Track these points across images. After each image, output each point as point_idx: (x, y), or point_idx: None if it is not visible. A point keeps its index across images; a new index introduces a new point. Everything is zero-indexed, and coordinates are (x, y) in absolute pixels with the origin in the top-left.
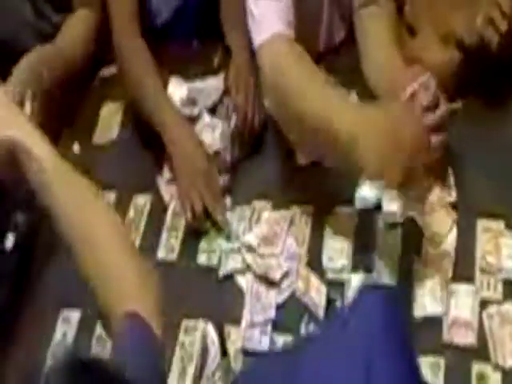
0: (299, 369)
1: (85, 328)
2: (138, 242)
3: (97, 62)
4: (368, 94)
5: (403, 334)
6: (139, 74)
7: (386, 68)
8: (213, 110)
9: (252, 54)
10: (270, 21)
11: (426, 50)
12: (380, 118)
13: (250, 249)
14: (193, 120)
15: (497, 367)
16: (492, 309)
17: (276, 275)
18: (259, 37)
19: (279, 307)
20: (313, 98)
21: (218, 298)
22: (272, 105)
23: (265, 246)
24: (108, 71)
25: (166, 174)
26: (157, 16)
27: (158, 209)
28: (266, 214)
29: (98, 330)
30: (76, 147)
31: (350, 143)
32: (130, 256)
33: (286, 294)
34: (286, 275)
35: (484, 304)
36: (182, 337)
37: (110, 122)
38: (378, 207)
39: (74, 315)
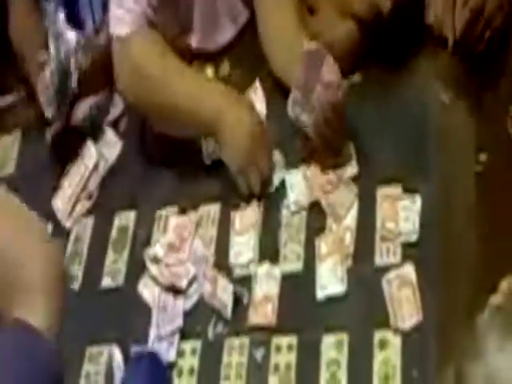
0: None
1: None
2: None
3: None
4: (271, 81)
5: None
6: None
7: (288, 47)
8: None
9: None
10: (131, 15)
11: (325, 27)
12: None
13: (156, 260)
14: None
15: (396, 331)
16: (391, 274)
17: (183, 283)
18: (118, 30)
19: (187, 314)
20: (178, 87)
21: (124, 319)
22: (132, 98)
23: (171, 253)
24: (3, 101)
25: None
26: None
27: (59, 236)
28: (172, 221)
29: None
30: None
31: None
32: None
33: (193, 300)
34: (193, 280)
35: (384, 270)
36: (86, 366)
37: (6, 156)
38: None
39: None
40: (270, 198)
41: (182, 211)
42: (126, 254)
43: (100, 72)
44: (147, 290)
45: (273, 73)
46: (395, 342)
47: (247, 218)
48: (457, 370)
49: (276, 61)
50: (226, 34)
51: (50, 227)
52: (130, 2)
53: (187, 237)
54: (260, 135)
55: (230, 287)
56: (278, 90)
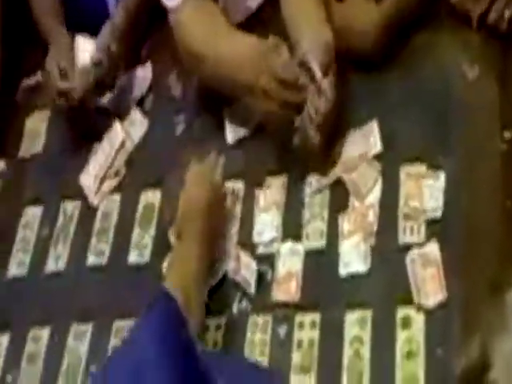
0: None
1: (14, 349)
2: (67, 250)
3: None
4: None
5: (178, 344)
6: None
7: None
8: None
9: None
10: None
11: (353, 14)
12: None
13: None
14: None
15: (420, 308)
16: (415, 252)
17: None
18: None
19: (211, 291)
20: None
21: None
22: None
23: None
24: (32, 79)
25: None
26: None
27: (87, 214)
28: None
29: (28, 348)
30: (1, 164)
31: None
32: None
33: (217, 277)
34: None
35: (407, 249)
36: (113, 340)
37: (36, 133)
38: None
39: (4, 339)
40: (293, 176)
41: None
42: (152, 231)
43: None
44: None
45: None
46: (419, 319)
47: (271, 195)
48: (482, 346)
49: (298, 46)
50: (249, 6)
51: (78, 204)
52: None
53: None
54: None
55: (254, 264)
56: None
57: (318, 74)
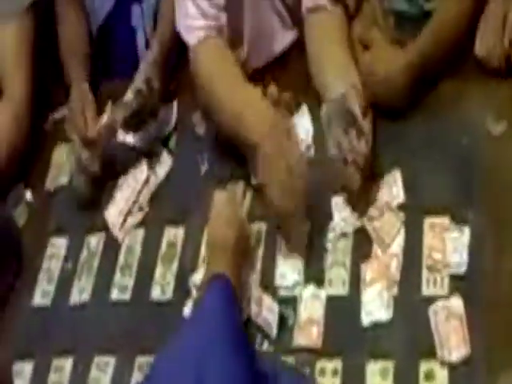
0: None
1: (38, 378)
2: (91, 283)
3: (46, 104)
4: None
5: (238, 332)
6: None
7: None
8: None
9: None
10: (198, 24)
11: (380, 62)
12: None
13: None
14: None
15: (443, 363)
16: (438, 304)
17: None
18: (190, 40)
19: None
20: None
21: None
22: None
23: None
24: (60, 113)
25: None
26: None
27: (111, 248)
28: None
29: (52, 378)
30: (28, 194)
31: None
32: None
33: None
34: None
35: (430, 301)
36: (136, 374)
37: (62, 165)
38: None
39: (27, 368)
40: (317, 221)
41: None
42: (174, 268)
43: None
44: None
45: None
46: (442, 374)
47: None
48: None
49: (324, 90)
50: (274, 50)
51: (103, 238)
52: (201, 9)
53: None
54: (298, 172)
55: (276, 306)
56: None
57: (359, 115)
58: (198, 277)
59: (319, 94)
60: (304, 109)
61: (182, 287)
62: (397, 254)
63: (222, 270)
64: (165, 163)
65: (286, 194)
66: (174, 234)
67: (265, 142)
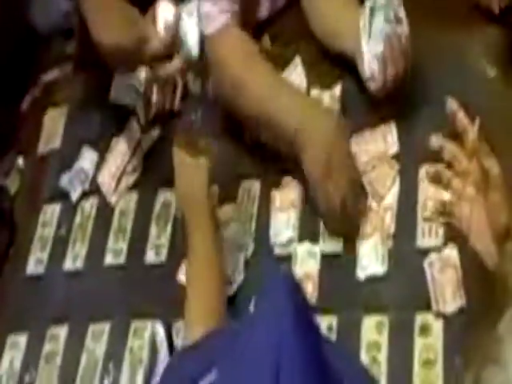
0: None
1: (32, 348)
2: (85, 249)
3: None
4: (313, 60)
5: (310, 320)
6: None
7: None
8: None
9: None
10: (216, 13)
11: None
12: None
13: None
14: None
15: (438, 315)
16: (433, 256)
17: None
18: (207, 29)
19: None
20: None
21: (167, 294)
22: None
23: None
24: (49, 76)
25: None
26: None
27: (104, 212)
28: None
29: (47, 348)
30: (20, 161)
31: (295, 145)
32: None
33: (235, 286)
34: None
35: (425, 253)
36: (130, 341)
37: (53, 130)
38: None
39: (22, 339)
40: None
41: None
42: (168, 230)
43: None
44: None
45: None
46: (437, 326)
47: (287, 196)
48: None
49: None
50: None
51: (95, 202)
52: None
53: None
54: (340, 148)
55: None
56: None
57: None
58: None
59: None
60: (297, 61)
61: (176, 250)
62: (391, 207)
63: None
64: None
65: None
66: (167, 197)
67: (305, 130)
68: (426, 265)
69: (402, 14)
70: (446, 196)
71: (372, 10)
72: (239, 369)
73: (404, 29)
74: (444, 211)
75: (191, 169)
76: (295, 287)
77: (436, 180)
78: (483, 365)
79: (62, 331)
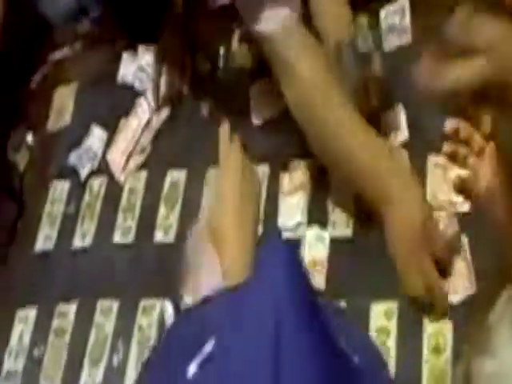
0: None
1: (41, 323)
2: (94, 227)
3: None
4: None
5: (309, 288)
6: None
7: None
8: None
9: None
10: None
11: None
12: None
13: None
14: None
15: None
16: None
17: None
18: (265, 24)
19: None
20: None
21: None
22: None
23: None
24: (60, 54)
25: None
26: None
27: (113, 191)
28: None
29: (55, 323)
30: (29, 137)
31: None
32: None
33: None
34: None
35: None
36: (139, 319)
37: (63, 107)
38: None
39: (31, 314)
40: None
41: None
42: (177, 210)
43: None
44: None
45: None
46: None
47: (296, 179)
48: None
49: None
50: None
51: (104, 180)
52: None
53: None
54: (428, 234)
55: None
56: None
57: None
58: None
59: None
60: None
61: (184, 230)
62: None
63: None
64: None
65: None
66: (176, 176)
67: (394, 202)
68: None
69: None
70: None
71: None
72: (238, 336)
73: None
74: (464, 187)
75: (249, 170)
76: (295, 256)
77: (452, 158)
78: (474, 355)
79: (70, 308)
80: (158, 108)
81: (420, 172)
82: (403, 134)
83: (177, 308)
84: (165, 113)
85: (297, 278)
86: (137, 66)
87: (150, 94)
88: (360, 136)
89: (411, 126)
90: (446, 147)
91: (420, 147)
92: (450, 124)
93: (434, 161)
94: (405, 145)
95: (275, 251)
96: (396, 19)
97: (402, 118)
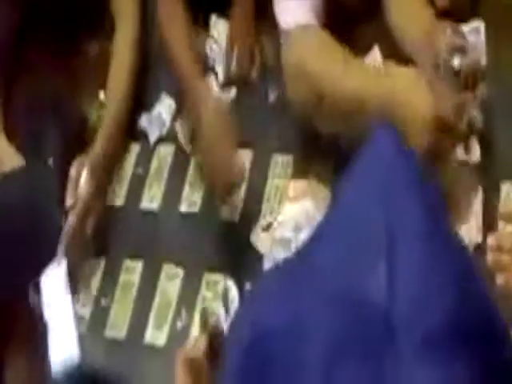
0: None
1: (109, 275)
2: (161, 193)
3: None
4: (391, 51)
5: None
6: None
7: (415, 20)
8: None
9: None
10: (296, 7)
11: None
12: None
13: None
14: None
15: None
16: None
17: None
18: (285, 24)
19: None
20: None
21: (238, 255)
22: (295, 96)
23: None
24: None
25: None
26: None
27: (181, 161)
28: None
29: (123, 277)
30: (102, 95)
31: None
32: None
33: None
34: None
35: None
36: (203, 291)
37: None
38: None
39: (100, 265)
40: None
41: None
42: (243, 189)
43: None
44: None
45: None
46: None
47: None
48: None
49: (396, 31)
50: None
51: (172, 148)
52: None
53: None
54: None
55: None
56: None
57: None
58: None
59: None
60: (376, 49)
61: (250, 209)
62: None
63: None
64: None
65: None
66: (243, 155)
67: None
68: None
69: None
70: None
71: None
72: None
73: None
74: None
75: None
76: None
77: None
78: None
79: (137, 265)
80: (227, 84)
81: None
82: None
83: (241, 289)
84: (232, 93)
85: (411, 163)
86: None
87: (219, 68)
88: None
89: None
90: None
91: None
92: None
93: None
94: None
95: (381, 136)
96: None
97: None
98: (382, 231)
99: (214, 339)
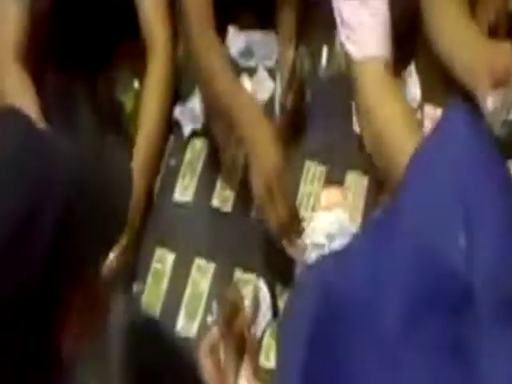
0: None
1: (141, 263)
2: (194, 186)
3: None
4: (429, 68)
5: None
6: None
7: (465, 43)
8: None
9: None
10: (369, 39)
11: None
12: None
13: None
14: (249, 72)
15: None
16: None
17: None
18: (356, 53)
19: None
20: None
21: (268, 256)
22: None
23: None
24: None
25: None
26: None
27: (214, 155)
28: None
29: (154, 266)
30: (136, 83)
31: None
32: None
33: None
34: None
35: None
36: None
37: None
38: None
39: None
40: None
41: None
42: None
43: None
44: None
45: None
46: None
47: None
48: None
49: (443, 54)
50: None
51: (205, 143)
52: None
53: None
54: None
55: None
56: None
57: None
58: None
59: None
60: (411, 68)
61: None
62: None
63: None
64: (267, 85)
65: None
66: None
67: None
68: None
69: None
70: None
71: None
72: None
73: None
74: None
75: None
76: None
77: None
78: None
79: (168, 256)
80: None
81: None
82: None
83: (272, 290)
84: (266, 94)
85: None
86: (245, 44)
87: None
88: None
89: None
90: None
91: None
92: None
93: None
94: None
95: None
96: None
97: None
98: (459, 207)
99: (234, 316)
